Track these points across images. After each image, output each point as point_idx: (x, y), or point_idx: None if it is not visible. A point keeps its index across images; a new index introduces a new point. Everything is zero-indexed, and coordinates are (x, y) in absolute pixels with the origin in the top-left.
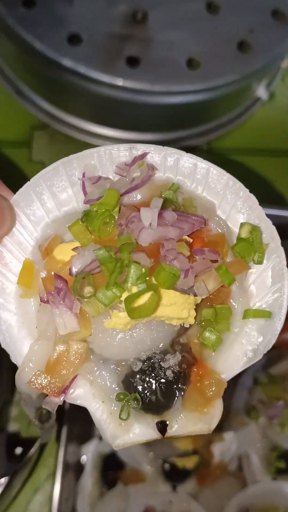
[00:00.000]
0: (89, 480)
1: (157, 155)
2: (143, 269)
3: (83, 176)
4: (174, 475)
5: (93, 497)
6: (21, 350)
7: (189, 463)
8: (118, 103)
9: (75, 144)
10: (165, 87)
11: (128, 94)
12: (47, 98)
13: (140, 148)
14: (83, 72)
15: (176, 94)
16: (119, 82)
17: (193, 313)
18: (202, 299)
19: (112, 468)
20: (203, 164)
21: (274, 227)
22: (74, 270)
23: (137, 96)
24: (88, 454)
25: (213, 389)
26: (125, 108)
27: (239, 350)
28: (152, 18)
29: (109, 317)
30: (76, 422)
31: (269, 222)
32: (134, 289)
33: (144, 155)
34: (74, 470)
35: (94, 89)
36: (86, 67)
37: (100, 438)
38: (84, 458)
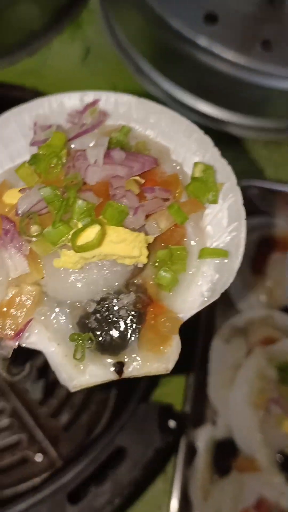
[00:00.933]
0: (201, 464)
1: (108, 102)
2: (89, 205)
3: (35, 125)
4: None
5: (205, 481)
6: None
7: None
8: (246, 86)
9: None
10: None
11: (259, 78)
12: (170, 77)
13: (91, 95)
14: (217, 52)
15: None
16: (254, 65)
17: (145, 251)
18: (157, 241)
19: (226, 454)
20: (156, 108)
21: (230, 167)
22: (20, 209)
23: (267, 80)
24: (201, 438)
25: (168, 325)
26: (251, 92)
27: (196, 290)
28: None
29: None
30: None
31: (224, 162)
32: (80, 225)
33: (95, 102)
34: (188, 453)
35: (225, 70)
36: (221, 47)
37: (213, 423)
38: (197, 442)
